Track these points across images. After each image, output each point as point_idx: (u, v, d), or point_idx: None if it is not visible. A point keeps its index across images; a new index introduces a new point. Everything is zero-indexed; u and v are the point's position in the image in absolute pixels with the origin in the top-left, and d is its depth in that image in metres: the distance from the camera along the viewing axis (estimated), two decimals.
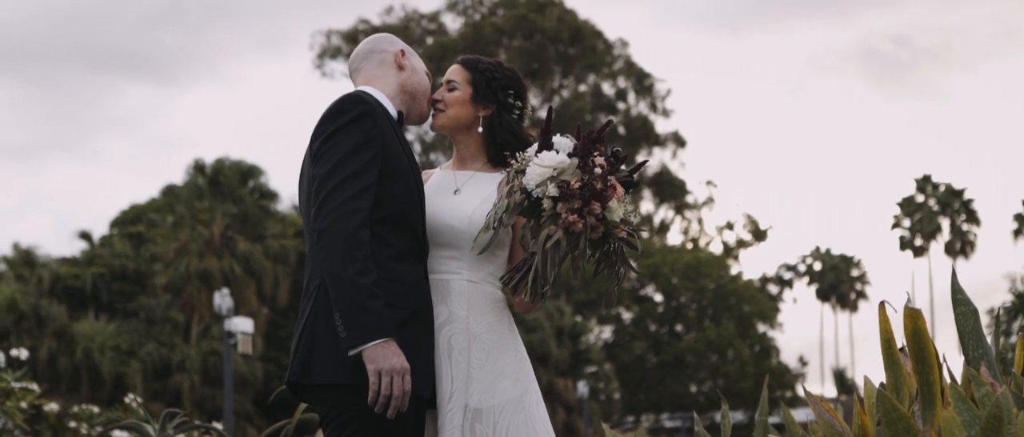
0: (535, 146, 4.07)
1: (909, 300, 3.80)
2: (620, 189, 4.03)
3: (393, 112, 4.12)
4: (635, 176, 4.13)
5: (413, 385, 3.86)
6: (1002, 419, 3.11)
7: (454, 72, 4.28)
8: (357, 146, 3.88)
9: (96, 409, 10.84)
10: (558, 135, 4.11)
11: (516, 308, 4.17)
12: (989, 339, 4.12)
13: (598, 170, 3.97)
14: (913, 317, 3.69)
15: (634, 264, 4.08)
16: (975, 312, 4.01)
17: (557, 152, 4.02)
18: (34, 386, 9.67)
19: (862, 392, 4.20)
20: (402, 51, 4.23)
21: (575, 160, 3.99)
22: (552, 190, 3.94)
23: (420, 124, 4.30)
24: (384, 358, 3.76)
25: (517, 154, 4.09)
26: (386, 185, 3.93)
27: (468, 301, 4.08)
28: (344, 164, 3.85)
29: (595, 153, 4.03)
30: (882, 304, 3.92)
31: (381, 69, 4.20)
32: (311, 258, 3.96)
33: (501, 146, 4.20)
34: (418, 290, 4.00)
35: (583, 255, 3.97)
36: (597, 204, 3.94)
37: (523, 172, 4.02)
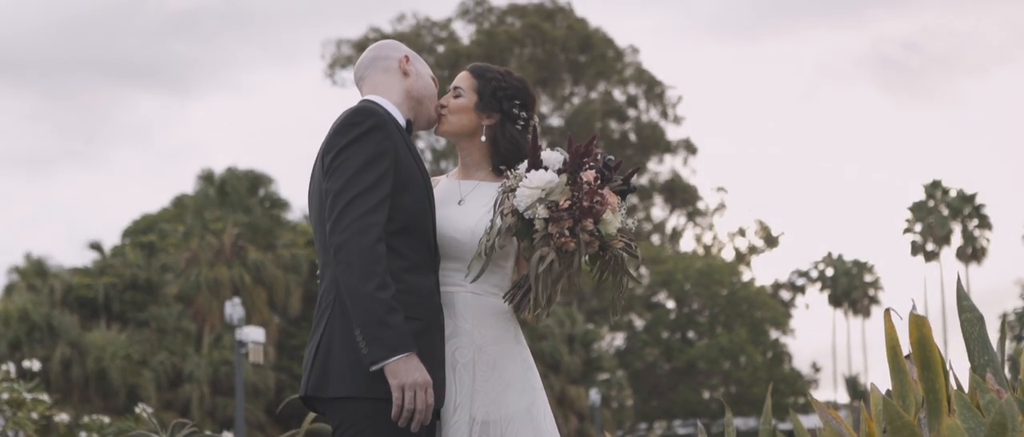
0: (525, 164, 4.06)
1: (914, 307, 3.79)
2: (614, 200, 4.01)
3: (402, 120, 4.12)
4: (631, 183, 4.11)
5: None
6: (1006, 426, 3.11)
7: (461, 79, 4.27)
8: (370, 159, 3.88)
9: (107, 419, 10.86)
10: (548, 150, 4.10)
11: (523, 320, 4.16)
12: (995, 345, 4.11)
13: (586, 186, 3.96)
14: (918, 324, 3.69)
15: (635, 273, 4.07)
16: (981, 318, 4.01)
17: (546, 169, 4.01)
18: (45, 397, 9.69)
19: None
20: (406, 57, 4.22)
21: (563, 178, 3.98)
22: (542, 212, 3.94)
23: (428, 129, 4.29)
24: (407, 373, 3.77)
25: (509, 172, 4.08)
26: (399, 196, 3.93)
27: (473, 313, 4.08)
28: (358, 178, 3.85)
29: (585, 166, 4.01)
30: (887, 311, 3.92)
31: (386, 76, 4.19)
32: (325, 271, 3.96)
33: (504, 156, 4.19)
34: (432, 301, 4.01)
35: (578, 273, 3.96)
36: (589, 220, 3.93)
37: (514, 191, 4.01)
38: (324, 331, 3.93)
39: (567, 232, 3.91)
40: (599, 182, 4.01)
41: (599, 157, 4.09)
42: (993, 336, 4.08)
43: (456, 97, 4.24)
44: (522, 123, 4.23)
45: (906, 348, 3.93)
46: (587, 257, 3.99)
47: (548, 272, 3.92)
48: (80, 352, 37.41)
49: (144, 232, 45.85)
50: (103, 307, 40.85)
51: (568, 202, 3.94)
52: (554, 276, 3.93)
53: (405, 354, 3.77)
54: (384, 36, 59.25)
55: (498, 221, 3.99)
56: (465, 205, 4.14)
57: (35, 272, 42.23)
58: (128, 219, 48.40)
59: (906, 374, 3.87)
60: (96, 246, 44.68)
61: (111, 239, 46.50)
